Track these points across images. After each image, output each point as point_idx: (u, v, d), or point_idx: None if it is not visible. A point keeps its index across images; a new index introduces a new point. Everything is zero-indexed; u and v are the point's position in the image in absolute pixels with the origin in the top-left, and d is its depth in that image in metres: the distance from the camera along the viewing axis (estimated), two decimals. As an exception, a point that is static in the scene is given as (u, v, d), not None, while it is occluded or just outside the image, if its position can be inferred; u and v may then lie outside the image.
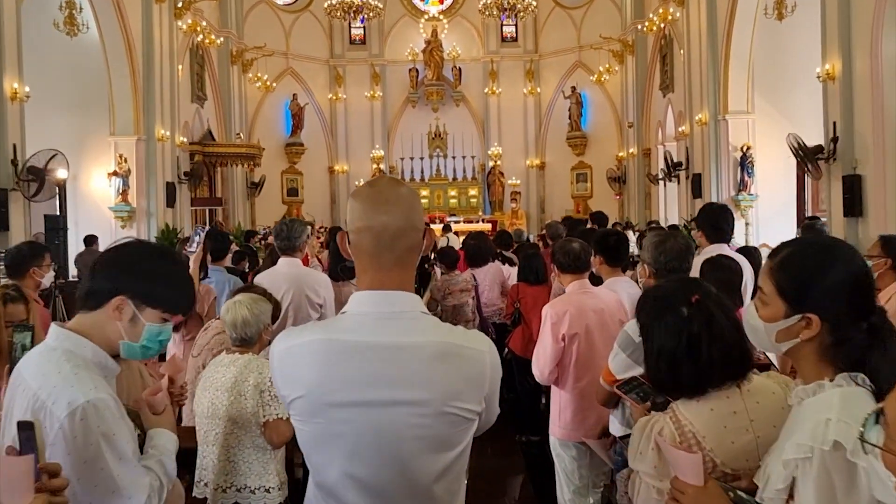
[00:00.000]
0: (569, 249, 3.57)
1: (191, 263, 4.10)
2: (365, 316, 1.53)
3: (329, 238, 9.11)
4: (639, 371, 2.43)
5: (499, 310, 6.78)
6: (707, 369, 1.65)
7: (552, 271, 6.36)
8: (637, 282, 4.60)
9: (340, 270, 5.49)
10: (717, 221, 4.36)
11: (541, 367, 3.51)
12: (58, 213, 14.92)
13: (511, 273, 6.97)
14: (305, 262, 5.95)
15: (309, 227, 4.49)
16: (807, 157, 10.68)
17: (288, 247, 4.30)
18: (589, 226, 10.15)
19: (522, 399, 5.40)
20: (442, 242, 10.77)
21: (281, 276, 4.26)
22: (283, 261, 4.34)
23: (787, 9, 12.29)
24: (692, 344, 1.66)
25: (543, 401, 5.55)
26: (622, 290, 3.99)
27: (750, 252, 5.21)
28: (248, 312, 2.92)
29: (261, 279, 4.30)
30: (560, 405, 3.53)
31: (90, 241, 11.77)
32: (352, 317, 1.54)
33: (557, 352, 3.44)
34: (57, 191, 11.53)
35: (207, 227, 4.34)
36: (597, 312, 3.48)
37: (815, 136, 11.89)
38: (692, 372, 1.65)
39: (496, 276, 6.83)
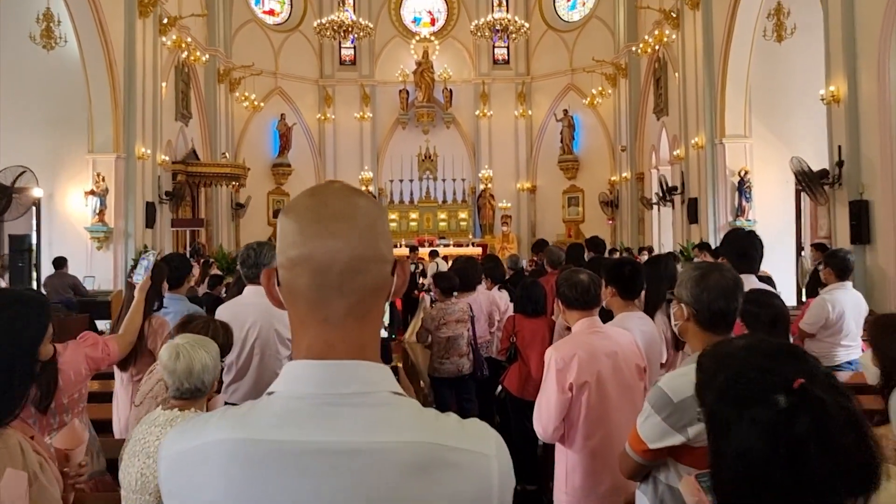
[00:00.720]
0: (576, 282, 3.09)
1: (135, 293, 3.60)
2: (301, 400, 1.02)
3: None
4: (678, 440, 1.94)
5: (487, 342, 6.28)
6: (813, 485, 1.08)
7: (553, 303, 5.94)
8: (670, 322, 4.14)
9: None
10: (744, 248, 3.94)
11: (544, 422, 2.99)
12: (33, 232, 14.42)
13: (499, 300, 6.49)
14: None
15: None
16: (811, 182, 10.29)
17: (256, 274, 3.80)
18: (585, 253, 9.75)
19: (517, 443, 4.88)
20: (430, 269, 10.27)
21: (246, 307, 3.76)
22: (249, 290, 3.84)
23: (787, 31, 12.03)
24: (794, 452, 1.09)
25: (541, 443, 5.06)
26: (635, 328, 3.52)
27: (770, 282, 4.77)
28: (204, 358, 2.42)
29: (223, 311, 3.80)
30: (567, 467, 2.99)
31: (60, 263, 11.21)
32: (282, 402, 1.03)
33: (564, 404, 2.93)
34: (28, 210, 10.92)
35: (156, 251, 3.80)
36: (610, 356, 2.98)
37: (814, 161, 11.58)
38: (790, 487, 1.08)
39: (485, 305, 6.33)
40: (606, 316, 3.58)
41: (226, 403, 3.75)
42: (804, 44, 13.02)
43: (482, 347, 6.14)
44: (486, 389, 6.23)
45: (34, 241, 14.24)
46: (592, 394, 2.91)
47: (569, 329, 3.31)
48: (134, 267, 3.74)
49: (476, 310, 6.10)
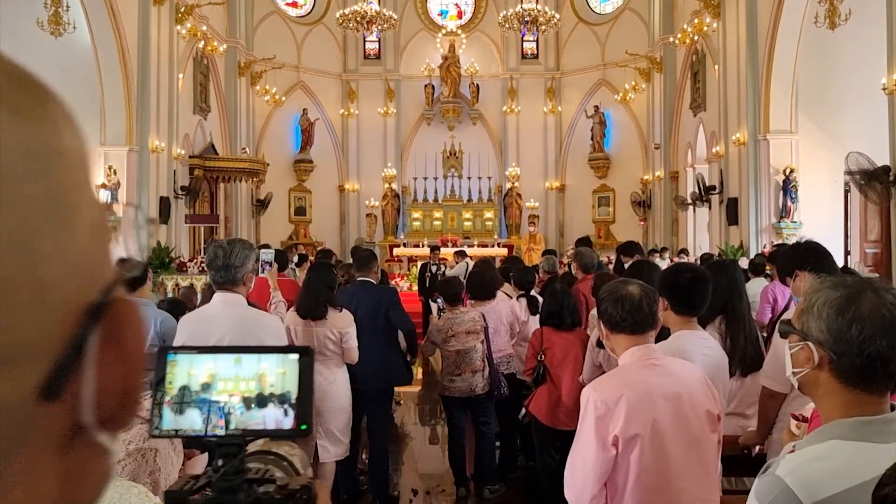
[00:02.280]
0: (624, 296, 2.31)
1: None
2: None
3: (317, 259, 7.95)
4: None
5: (507, 357, 5.53)
6: None
7: (586, 313, 5.16)
8: (729, 341, 3.39)
9: (310, 305, 4.32)
10: (819, 264, 3.19)
11: (578, 489, 2.21)
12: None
13: (518, 309, 5.73)
14: (265, 297, 4.80)
15: (255, 253, 3.30)
16: (871, 180, 9.40)
17: (226, 279, 3.13)
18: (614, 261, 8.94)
19: (543, 478, 4.16)
20: (459, 270, 9.45)
21: (213, 319, 3.09)
22: (218, 298, 3.17)
23: (841, 17, 11.10)
24: None
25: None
26: (695, 352, 2.78)
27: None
28: None
29: (185, 323, 3.14)
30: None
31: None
32: None
33: (606, 464, 2.16)
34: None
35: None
36: (671, 399, 2.21)
37: (854, 160, 10.73)
38: None
39: (504, 315, 5.59)
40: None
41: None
42: (856, 32, 12.10)
43: (502, 363, 5.40)
44: (508, 410, 5.51)
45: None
46: (646, 451, 2.15)
47: (607, 361, 2.56)
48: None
49: (495, 320, 5.37)
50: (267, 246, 7.99)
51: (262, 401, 0.71)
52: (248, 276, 3.18)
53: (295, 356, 0.73)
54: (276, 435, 0.73)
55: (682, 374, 2.28)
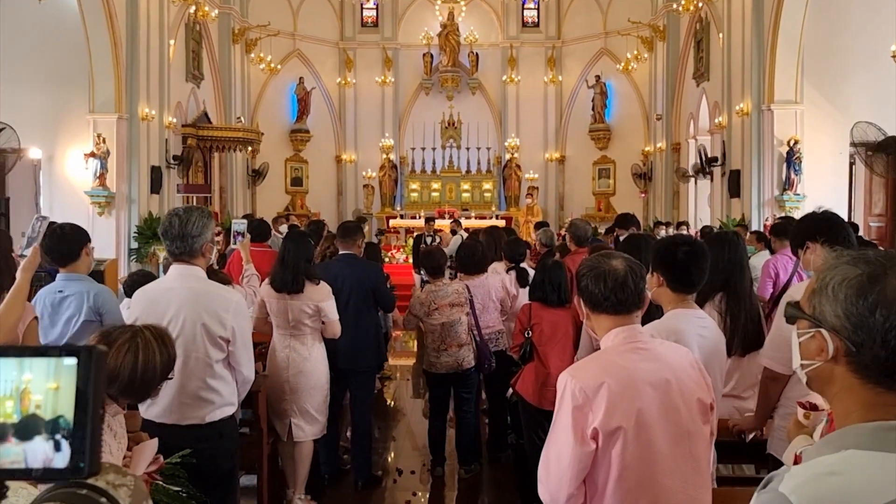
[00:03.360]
0: (606, 271, 2.05)
1: (18, 273, 2.69)
2: None
3: (312, 232, 7.70)
4: None
5: (496, 333, 5.32)
6: None
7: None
8: (729, 322, 3.16)
9: (286, 277, 4.10)
10: (833, 235, 2.96)
11: (553, 488, 1.97)
12: (35, 198, 13.79)
13: (508, 283, 5.50)
14: (237, 270, 4.58)
15: (213, 222, 3.06)
16: (877, 152, 9.12)
17: (182, 250, 2.90)
18: (615, 233, 8.68)
19: (530, 460, 3.98)
20: (453, 245, 9.17)
21: (168, 293, 2.88)
22: (174, 270, 2.96)
23: (850, -17, 10.72)
24: None
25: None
26: (691, 332, 2.56)
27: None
28: None
29: (139, 297, 2.93)
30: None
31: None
32: None
33: (584, 460, 1.92)
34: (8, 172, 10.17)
35: (48, 218, 2.84)
36: (658, 387, 1.97)
37: (862, 129, 10.44)
38: None
39: (493, 290, 5.35)
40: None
41: (143, 420, 2.89)
42: (867, -1, 11.76)
43: (491, 340, 5.20)
44: (497, 387, 5.32)
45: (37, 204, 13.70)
46: (630, 445, 1.91)
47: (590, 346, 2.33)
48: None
49: (483, 295, 5.15)
50: (251, 218, 7.75)
51: (23, 429, 0.49)
52: (208, 246, 2.96)
53: (72, 361, 0.50)
54: (44, 477, 0.51)
55: (670, 358, 2.05)
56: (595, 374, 1.96)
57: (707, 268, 2.81)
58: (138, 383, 2.11)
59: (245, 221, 4.50)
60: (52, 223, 3.39)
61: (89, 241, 3.54)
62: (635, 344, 2.05)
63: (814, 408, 2.11)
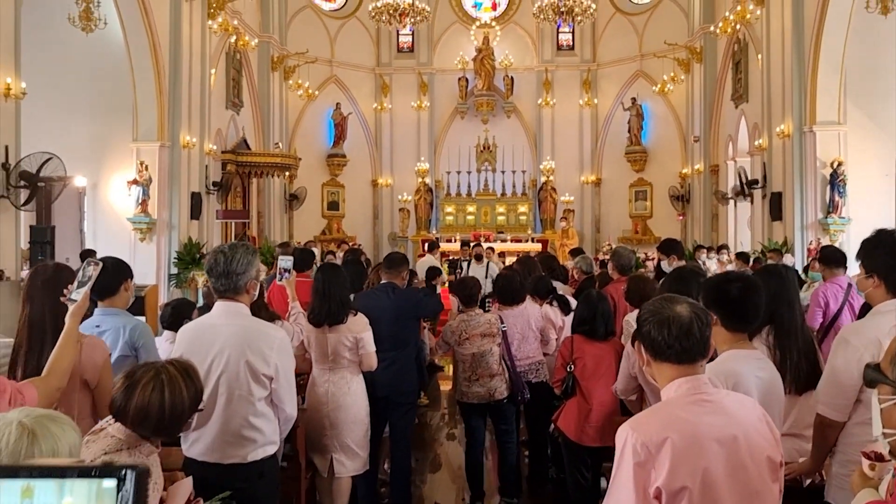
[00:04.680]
0: (671, 318, 1.94)
1: (67, 318, 2.67)
2: None
3: (346, 260, 7.70)
4: None
5: (536, 364, 5.23)
6: None
7: (621, 318, 4.83)
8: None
9: (333, 309, 4.09)
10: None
11: None
12: (80, 224, 14.13)
13: (552, 314, 5.39)
14: (276, 299, 4.57)
15: (258, 259, 3.05)
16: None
17: (227, 287, 2.91)
18: (655, 258, 8.52)
19: (573, 498, 3.88)
20: (479, 272, 9.08)
21: (212, 330, 2.87)
22: (219, 307, 2.96)
23: (894, 2, 10.51)
24: None
25: (604, 485, 4.05)
26: (748, 375, 2.47)
27: None
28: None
29: (184, 335, 2.93)
30: None
31: (85, 256, 10.67)
32: None
33: None
34: (55, 200, 10.43)
35: (101, 263, 2.79)
36: (725, 444, 1.86)
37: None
38: None
39: (533, 320, 5.25)
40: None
41: (185, 458, 2.88)
42: (912, 18, 11.49)
43: (531, 371, 5.11)
44: (536, 417, 5.23)
45: (81, 231, 14.04)
46: None
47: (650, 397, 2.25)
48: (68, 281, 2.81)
49: (522, 325, 5.08)
50: (286, 248, 7.76)
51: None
52: (252, 283, 2.95)
53: (111, 484, 0.47)
54: None
55: (738, 412, 1.95)
56: (658, 429, 1.87)
57: (762, 304, 2.72)
58: (168, 421, 2.09)
59: (291, 258, 4.47)
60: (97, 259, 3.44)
61: (130, 276, 3.55)
62: (700, 396, 1.94)
63: (879, 458, 2.00)
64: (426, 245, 13.30)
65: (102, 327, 3.30)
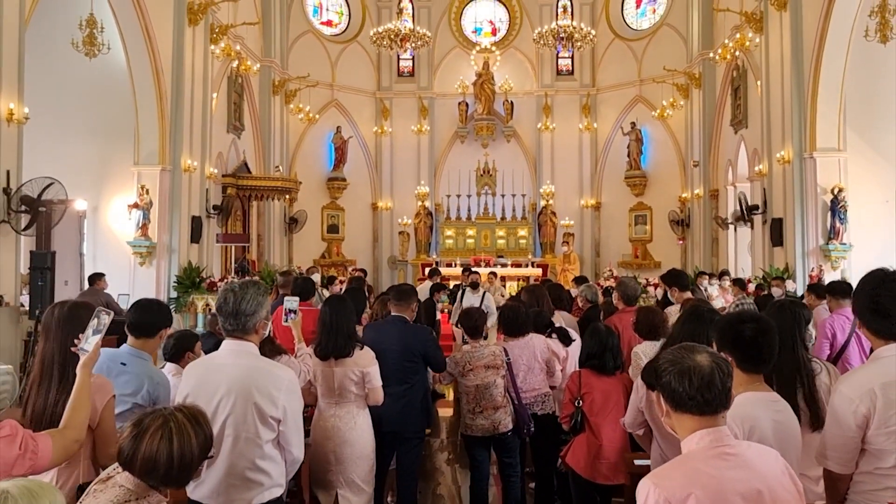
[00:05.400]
0: (693, 369, 1.91)
1: (78, 370, 2.61)
2: None
3: (349, 287, 7.65)
4: None
5: (542, 395, 5.16)
6: None
7: (628, 351, 4.78)
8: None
9: (339, 343, 4.04)
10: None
11: None
12: (79, 248, 14.09)
13: (556, 346, 5.32)
14: (288, 335, 4.51)
15: (269, 299, 3.01)
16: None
17: (235, 327, 2.86)
18: (660, 287, 8.46)
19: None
20: (474, 301, 8.91)
21: (219, 369, 2.82)
22: (227, 346, 2.90)
23: (893, 30, 10.60)
24: None
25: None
26: (765, 418, 2.42)
27: None
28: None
29: (189, 374, 2.88)
30: None
31: (94, 279, 10.64)
32: None
33: None
34: (56, 224, 10.40)
35: (112, 314, 2.69)
36: (749, 499, 1.83)
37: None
38: None
39: (538, 351, 5.17)
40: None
41: (190, 500, 2.82)
42: (910, 46, 11.59)
43: (537, 402, 5.05)
44: (543, 449, 5.15)
45: (81, 254, 14.00)
46: None
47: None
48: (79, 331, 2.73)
49: (528, 357, 5.02)
50: (287, 276, 7.70)
51: None
52: (262, 323, 2.90)
53: None
54: None
55: (761, 465, 1.91)
56: (681, 484, 1.82)
57: (776, 343, 2.67)
58: (177, 470, 2.03)
59: (297, 299, 4.39)
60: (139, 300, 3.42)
61: (170, 325, 3.51)
62: (722, 449, 1.90)
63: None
64: (427, 270, 13.20)
65: (127, 367, 3.21)
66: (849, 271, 12.42)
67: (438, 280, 11.77)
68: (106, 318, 2.65)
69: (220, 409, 2.77)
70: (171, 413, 2.09)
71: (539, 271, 19.22)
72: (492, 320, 7.35)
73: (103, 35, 11.44)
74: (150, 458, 1.98)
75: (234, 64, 16.16)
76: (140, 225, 12.91)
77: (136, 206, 12.91)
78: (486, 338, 5.18)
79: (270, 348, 3.88)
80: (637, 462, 3.71)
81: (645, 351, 4.17)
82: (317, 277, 11.89)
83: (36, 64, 10.68)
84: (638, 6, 22.01)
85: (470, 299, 9.47)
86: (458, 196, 21.89)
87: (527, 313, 5.20)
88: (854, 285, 6.38)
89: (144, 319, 3.35)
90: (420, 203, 21.90)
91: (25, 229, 8.81)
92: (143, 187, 12.97)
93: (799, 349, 3.21)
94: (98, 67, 12.13)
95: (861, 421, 2.57)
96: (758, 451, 1.98)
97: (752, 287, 12.99)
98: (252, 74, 17.69)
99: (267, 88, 19.01)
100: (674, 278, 5.94)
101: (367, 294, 6.98)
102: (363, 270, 16.16)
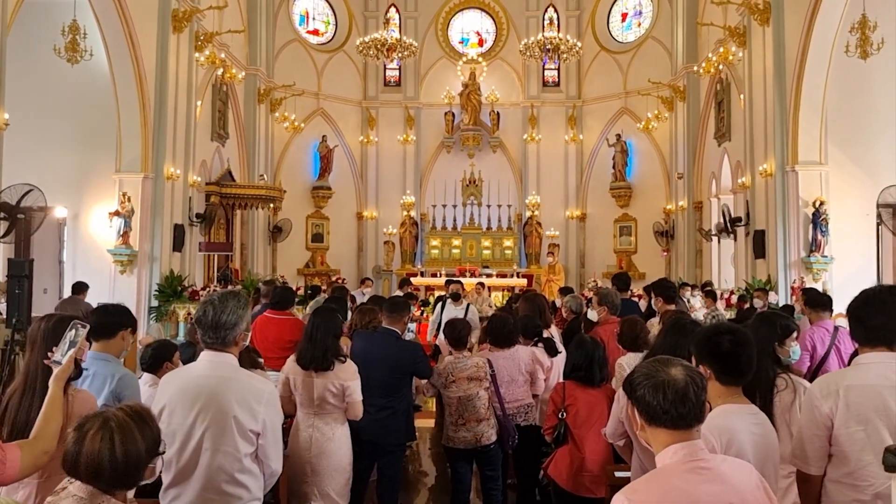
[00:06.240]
0: (666, 383, 1.89)
1: (51, 382, 2.57)
2: None
3: (334, 295, 7.59)
4: None
5: (525, 406, 5.14)
6: None
7: (613, 361, 4.76)
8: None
9: (317, 355, 4.00)
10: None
11: None
12: (59, 255, 13.92)
13: (541, 356, 5.31)
14: (267, 343, 4.47)
15: (249, 311, 2.96)
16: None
17: (215, 340, 2.81)
18: (643, 301, 8.49)
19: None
20: (458, 313, 8.78)
21: (196, 382, 2.77)
22: (205, 357, 2.85)
23: (873, 46, 10.73)
24: None
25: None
26: (743, 430, 2.42)
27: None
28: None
29: (166, 384, 2.83)
30: None
31: (79, 288, 10.52)
32: None
33: None
34: (35, 231, 10.28)
35: (87, 326, 2.63)
36: None
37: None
38: None
39: (523, 363, 5.14)
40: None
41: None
42: (891, 60, 11.77)
43: (520, 413, 5.02)
44: (526, 461, 5.12)
45: (60, 261, 13.82)
46: None
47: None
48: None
49: (512, 368, 5.00)
50: (270, 284, 7.63)
51: None
52: (242, 335, 2.86)
53: None
54: None
55: (735, 479, 1.89)
56: (655, 498, 1.81)
57: (755, 355, 2.68)
58: (123, 470, 1.96)
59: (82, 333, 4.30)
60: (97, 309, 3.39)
61: (131, 327, 3.49)
62: (696, 463, 1.88)
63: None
64: (400, 282, 13.02)
65: (91, 370, 3.18)
66: (830, 283, 12.51)
67: (409, 290, 11.73)
68: (82, 331, 2.62)
69: (197, 422, 2.71)
70: (111, 413, 2.03)
71: (524, 282, 19.25)
72: (475, 335, 7.29)
73: (86, 41, 11.33)
74: (93, 461, 1.92)
75: (219, 72, 16.08)
76: (121, 233, 12.78)
77: (117, 213, 12.78)
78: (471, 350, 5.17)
79: (248, 360, 3.83)
80: (618, 474, 3.69)
81: (629, 362, 4.17)
82: (368, 291, 12.22)
83: (17, 69, 10.56)
84: (624, 19, 22.19)
85: (451, 311, 9.26)
86: (444, 206, 21.87)
87: (515, 324, 5.18)
88: (832, 297, 6.43)
89: (102, 321, 3.34)
90: (406, 213, 21.87)
91: (4, 236, 8.71)
92: (124, 195, 12.85)
93: (765, 361, 3.23)
94: (80, 74, 12.04)
95: (826, 420, 2.68)
96: (732, 465, 1.97)
97: (734, 299, 13.08)
98: (237, 82, 17.63)
99: (252, 97, 18.94)
100: (661, 288, 5.94)
101: (347, 306, 6.92)
102: (342, 281, 16.14)
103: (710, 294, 11.63)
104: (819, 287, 12.15)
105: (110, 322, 3.38)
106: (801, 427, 2.80)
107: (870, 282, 12.67)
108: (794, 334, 3.55)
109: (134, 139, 13.00)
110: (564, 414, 3.98)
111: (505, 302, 12.02)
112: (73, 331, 2.61)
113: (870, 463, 2.55)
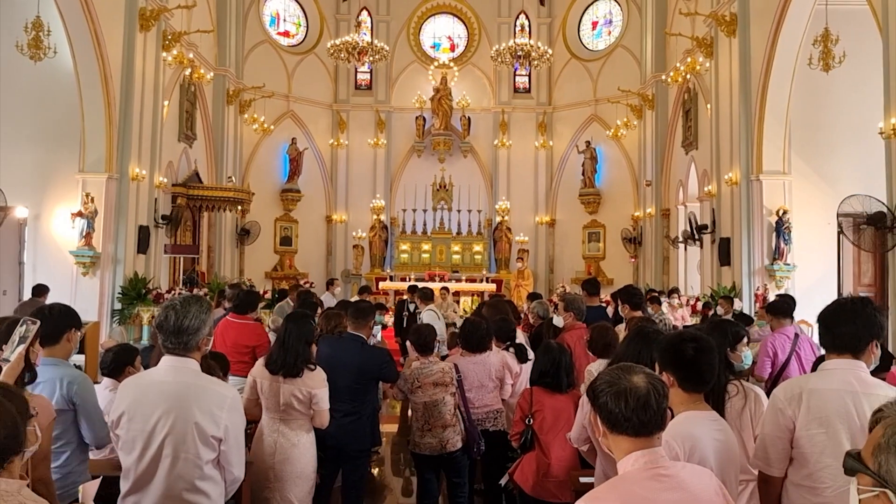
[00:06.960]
0: (628, 390, 1.91)
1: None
2: None
3: (297, 300, 7.53)
4: None
5: (494, 412, 5.13)
6: None
7: (581, 367, 4.78)
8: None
9: (288, 361, 3.94)
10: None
11: None
12: (19, 256, 13.60)
13: (510, 361, 5.31)
14: (229, 345, 4.41)
15: (212, 315, 2.91)
16: (868, 225, 9.18)
17: (177, 346, 2.75)
18: (610, 307, 8.54)
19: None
20: (428, 318, 8.71)
21: (156, 387, 2.71)
22: (166, 362, 2.79)
23: (835, 59, 10.97)
24: None
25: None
26: (706, 438, 2.43)
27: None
28: None
29: (124, 391, 2.76)
30: None
31: (39, 290, 10.29)
32: None
33: None
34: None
35: (38, 323, 2.58)
36: None
37: (860, 202, 10.57)
38: None
39: (493, 369, 5.13)
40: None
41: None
42: (852, 74, 12.05)
43: (489, 419, 5.02)
44: (493, 469, 5.11)
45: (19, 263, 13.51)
46: None
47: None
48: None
49: (482, 374, 4.99)
50: (236, 287, 7.52)
51: None
52: (205, 339, 2.80)
53: None
54: None
55: (695, 486, 1.90)
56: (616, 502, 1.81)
57: (716, 362, 2.72)
58: (2, 439, 1.89)
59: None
60: (44, 306, 3.27)
61: (76, 327, 3.38)
62: (657, 470, 1.88)
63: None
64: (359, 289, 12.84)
65: (39, 378, 3.10)
66: (793, 291, 12.73)
67: (367, 296, 11.69)
68: (33, 328, 2.55)
69: (157, 428, 2.65)
70: None
71: (493, 287, 19.28)
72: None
73: (50, 38, 11.10)
74: None
75: (187, 72, 15.87)
76: (84, 234, 12.52)
77: (80, 214, 12.52)
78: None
79: (209, 365, 3.77)
80: (582, 479, 3.70)
81: (598, 369, 4.19)
82: (339, 291, 12.15)
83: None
84: (594, 28, 22.42)
85: (428, 315, 8.94)
86: (414, 210, 21.85)
87: (488, 329, 5.18)
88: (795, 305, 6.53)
89: (44, 327, 3.23)
90: (375, 217, 21.79)
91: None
92: (87, 195, 12.59)
93: (718, 368, 3.27)
94: (44, 71, 11.80)
95: (788, 422, 2.74)
96: (692, 472, 1.98)
97: (699, 305, 13.24)
98: (205, 83, 17.41)
99: (221, 97, 18.72)
100: (627, 295, 5.97)
101: (315, 307, 6.86)
102: (310, 284, 16.01)
103: (654, 301, 11.63)
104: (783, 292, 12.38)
105: (52, 326, 3.25)
106: (764, 429, 2.85)
107: (831, 289, 12.95)
108: (745, 340, 3.64)
109: (98, 139, 12.76)
110: (531, 420, 3.98)
111: (474, 308, 12.01)
112: (24, 327, 2.55)
113: (828, 465, 2.61)
